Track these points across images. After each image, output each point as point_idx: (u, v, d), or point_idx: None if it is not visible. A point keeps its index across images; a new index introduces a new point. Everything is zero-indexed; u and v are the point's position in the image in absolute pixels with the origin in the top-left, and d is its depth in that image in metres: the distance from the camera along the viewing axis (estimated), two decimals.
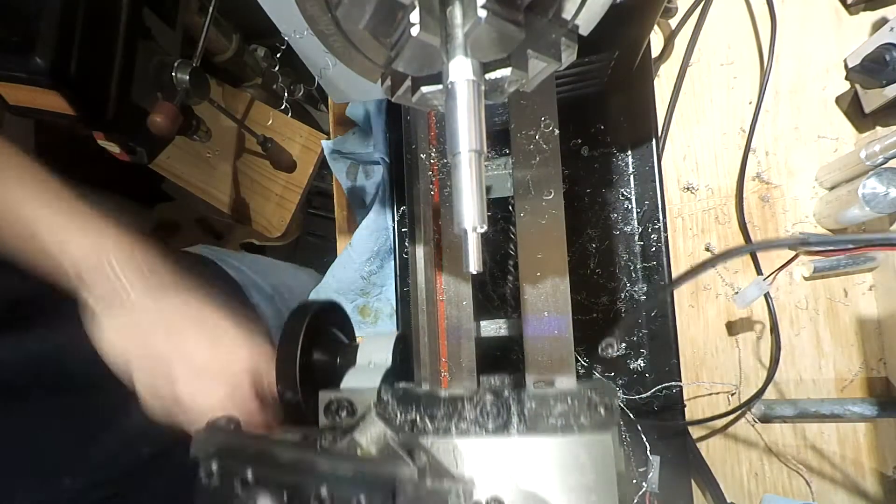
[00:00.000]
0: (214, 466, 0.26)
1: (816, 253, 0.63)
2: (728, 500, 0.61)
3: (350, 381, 0.43)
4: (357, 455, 0.33)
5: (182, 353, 0.44)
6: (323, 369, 0.45)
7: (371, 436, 0.34)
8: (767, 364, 0.63)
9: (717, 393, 0.65)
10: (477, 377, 0.42)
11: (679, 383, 0.57)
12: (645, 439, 0.53)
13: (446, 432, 0.37)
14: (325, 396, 0.41)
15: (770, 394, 0.63)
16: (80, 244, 0.45)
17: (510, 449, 0.35)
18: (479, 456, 0.36)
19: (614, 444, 0.35)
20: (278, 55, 1.20)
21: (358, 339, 0.49)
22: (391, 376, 0.42)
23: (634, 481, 0.53)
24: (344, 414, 0.39)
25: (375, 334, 0.63)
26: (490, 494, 0.34)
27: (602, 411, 0.36)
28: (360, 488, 0.25)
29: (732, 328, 0.65)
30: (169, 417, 0.44)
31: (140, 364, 0.44)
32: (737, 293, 0.65)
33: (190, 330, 0.45)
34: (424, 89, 0.28)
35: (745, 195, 0.65)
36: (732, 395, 0.64)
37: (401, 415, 0.38)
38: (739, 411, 0.62)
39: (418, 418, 0.38)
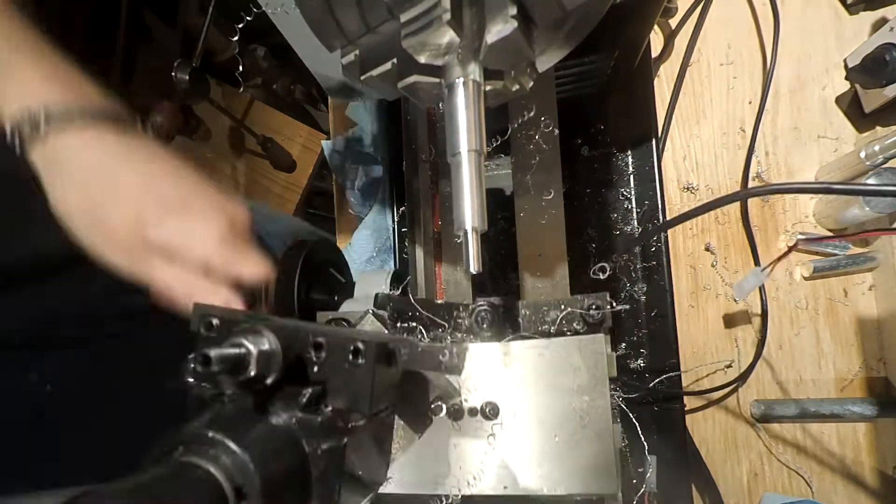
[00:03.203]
0: (215, 321, 0.24)
1: (816, 252, 0.63)
2: (728, 501, 0.61)
3: (347, 307, 0.44)
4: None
5: (157, 195, 0.37)
6: (322, 308, 0.45)
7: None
8: (766, 363, 0.64)
9: (715, 372, 0.65)
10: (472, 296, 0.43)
11: (678, 372, 0.57)
12: (643, 438, 0.53)
13: (441, 339, 0.37)
14: (322, 317, 0.42)
15: (770, 393, 0.63)
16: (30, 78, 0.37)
17: (505, 353, 0.36)
18: (474, 361, 0.36)
19: (606, 345, 0.35)
20: (242, 32, 1.18)
21: None
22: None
23: (634, 481, 0.53)
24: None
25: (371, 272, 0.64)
26: (485, 399, 0.35)
27: (594, 314, 0.36)
28: (358, 339, 0.26)
29: (732, 328, 0.65)
30: (135, 268, 0.37)
31: (100, 213, 0.37)
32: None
33: (166, 177, 0.38)
34: (419, 78, 0.27)
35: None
36: (729, 366, 0.65)
37: (398, 324, 0.37)
38: (733, 385, 0.63)
39: (414, 324, 0.37)
